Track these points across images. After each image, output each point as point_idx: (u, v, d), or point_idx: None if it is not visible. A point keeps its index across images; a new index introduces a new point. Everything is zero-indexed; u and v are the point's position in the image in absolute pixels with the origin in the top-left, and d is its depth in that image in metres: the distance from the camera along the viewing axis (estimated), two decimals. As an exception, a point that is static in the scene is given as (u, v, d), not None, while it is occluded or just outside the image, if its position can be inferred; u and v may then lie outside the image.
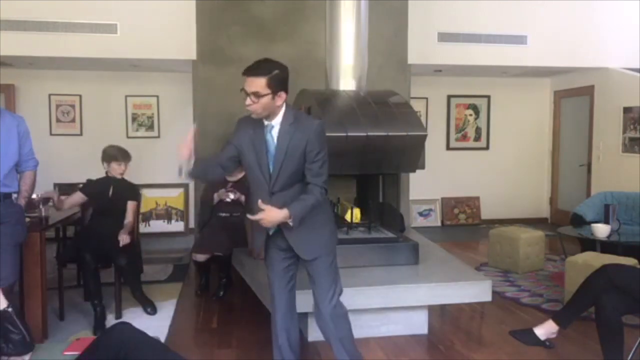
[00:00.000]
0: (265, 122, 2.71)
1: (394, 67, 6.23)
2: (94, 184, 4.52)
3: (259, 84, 2.58)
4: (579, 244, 5.61)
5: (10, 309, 2.42)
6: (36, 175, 3.44)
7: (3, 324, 2.37)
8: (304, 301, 3.06)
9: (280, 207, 2.63)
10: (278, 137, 2.69)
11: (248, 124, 2.77)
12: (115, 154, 4.47)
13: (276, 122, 2.70)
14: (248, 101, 2.60)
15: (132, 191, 4.58)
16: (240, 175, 4.97)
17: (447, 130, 8.52)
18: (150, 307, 4.40)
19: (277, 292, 2.90)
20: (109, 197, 4.44)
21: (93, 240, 4.19)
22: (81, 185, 4.54)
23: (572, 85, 8.13)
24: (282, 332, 2.92)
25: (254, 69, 2.61)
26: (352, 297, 3.40)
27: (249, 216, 2.69)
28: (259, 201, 2.66)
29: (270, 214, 2.62)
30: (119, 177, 4.49)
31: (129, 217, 4.46)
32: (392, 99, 4.71)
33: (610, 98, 7.32)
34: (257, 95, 2.58)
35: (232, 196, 4.84)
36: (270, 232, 2.80)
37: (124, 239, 4.21)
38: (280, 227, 2.74)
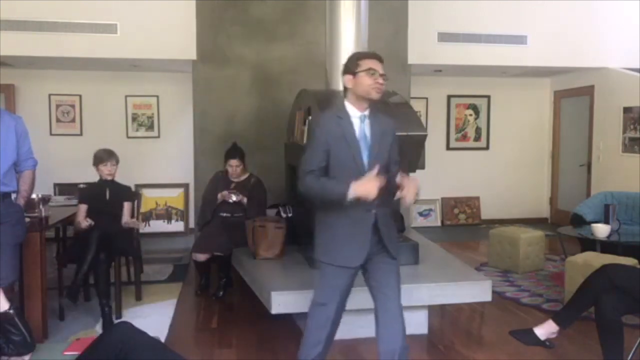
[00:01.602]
0: (359, 113, 2.68)
1: (394, 67, 6.22)
2: (89, 188, 4.59)
3: (383, 68, 2.68)
4: (579, 244, 5.60)
5: (11, 311, 2.41)
6: (35, 174, 3.44)
7: (4, 324, 2.37)
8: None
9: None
10: (371, 127, 2.68)
11: (327, 120, 2.70)
12: (100, 155, 4.50)
13: (367, 112, 2.71)
14: (381, 80, 2.64)
15: (128, 193, 4.69)
16: (243, 177, 4.97)
17: (447, 130, 8.52)
18: (106, 302, 4.09)
19: (335, 318, 2.72)
20: (107, 199, 4.48)
21: (99, 240, 4.17)
22: (78, 197, 4.57)
23: (572, 85, 8.12)
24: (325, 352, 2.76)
25: (380, 56, 2.71)
26: (352, 297, 3.38)
27: (399, 193, 2.60)
28: (400, 176, 2.63)
29: (416, 184, 2.60)
30: (110, 178, 4.51)
31: (126, 218, 4.57)
32: (392, 99, 4.70)
33: (610, 98, 7.31)
34: (386, 78, 2.67)
35: (234, 198, 4.83)
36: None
37: (134, 222, 4.64)
38: (378, 222, 2.65)
